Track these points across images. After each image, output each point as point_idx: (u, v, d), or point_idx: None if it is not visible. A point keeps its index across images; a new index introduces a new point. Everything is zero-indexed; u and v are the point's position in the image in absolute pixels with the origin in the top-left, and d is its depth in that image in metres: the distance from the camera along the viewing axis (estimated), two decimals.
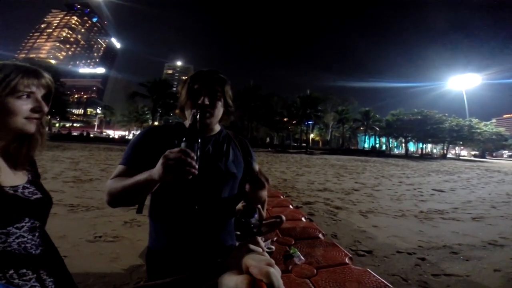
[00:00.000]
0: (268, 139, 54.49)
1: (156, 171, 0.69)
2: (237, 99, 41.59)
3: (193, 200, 0.93)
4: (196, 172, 0.69)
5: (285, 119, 49.32)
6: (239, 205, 1.93)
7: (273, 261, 0.42)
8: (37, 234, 0.68)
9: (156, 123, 47.96)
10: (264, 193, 1.14)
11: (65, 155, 13.14)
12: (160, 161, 0.68)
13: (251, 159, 1.13)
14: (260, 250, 0.53)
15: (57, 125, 59.64)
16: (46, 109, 0.72)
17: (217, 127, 1.06)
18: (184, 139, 0.71)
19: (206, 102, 0.92)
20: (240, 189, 1.09)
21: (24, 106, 0.67)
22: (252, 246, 0.53)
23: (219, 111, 0.98)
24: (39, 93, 0.71)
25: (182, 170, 0.66)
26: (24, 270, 0.63)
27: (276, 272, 0.39)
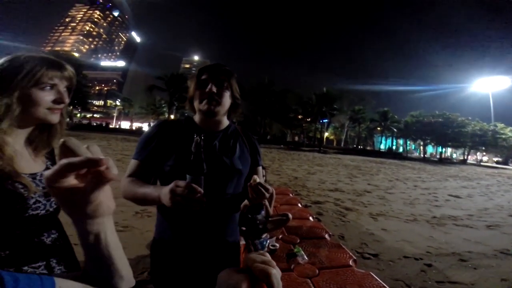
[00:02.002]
0: (281, 136, 54.14)
1: (164, 198, 0.73)
2: (251, 94, 41.50)
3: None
4: (204, 205, 0.71)
5: (299, 116, 48.76)
6: (246, 201, 1.97)
7: (274, 262, 0.42)
8: (50, 221, 0.73)
9: (172, 116, 48.83)
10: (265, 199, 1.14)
11: (84, 145, 13.56)
12: (168, 195, 0.71)
13: (258, 156, 1.13)
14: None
15: (78, 115, 61.88)
16: (67, 100, 0.75)
17: (226, 122, 1.07)
18: (189, 172, 0.72)
19: (213, 90, 0.94)
20: (245, 185, 1.10)
21: (47, 97, 0.70)
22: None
23: (226, 100, 0.99)
24: (62, 85, 0.74)
25: (189, 205, 0.69)
26: (35, 258, 0.67)
27: (277, 274, 0.40)
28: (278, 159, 16.04)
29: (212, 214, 0.96)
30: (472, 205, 6.40)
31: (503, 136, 53.39)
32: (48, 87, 0.70)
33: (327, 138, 59.85)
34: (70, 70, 0.76)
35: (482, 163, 53.48)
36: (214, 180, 0.94)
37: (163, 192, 0.73)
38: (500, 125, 55.90)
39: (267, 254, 0.48)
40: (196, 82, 0.99)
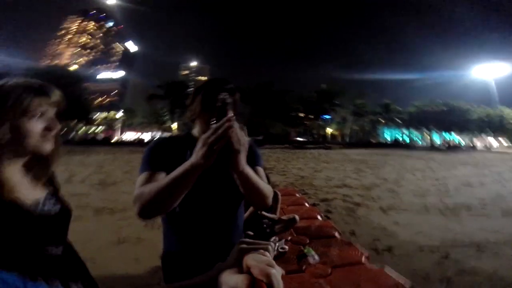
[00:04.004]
0: (285, 135, 54.13)
1: (197, 154, 0.70)
2: (251, 96, 41.59)
3: (201, 205, 0.95)
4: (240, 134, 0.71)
5: (301, 115, 48.71)
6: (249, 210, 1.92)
7: (274, 262, 0.42)
8: (60, 246, 0.70)
9: (175, 124, 49.11)
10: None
11: (91, 159, 13.87)
12: (201, 144, 0.69)
13: (254, 157, 1.10)
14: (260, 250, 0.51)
15: (82, 129, 62.58)
16: (58, 126, 0.72)
17: None
18: (214, 121, 0.70)
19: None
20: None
21: (37, 126, 0.67)
22: (244, 246, 0.51)
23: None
24: (51, 111, 0.71)
25: (224, 137, 0.67)
26: (48, 276, 0.63)
27: (277, 273, 0.39)
28: (283, 159, 15.96)
29: (217, 223, 0.97)
30: (485, 193, 6.23)
31: (511, 121, 52.62)
32: (37, 116, 0.68)
33: (331, 134, 59.63)
34: (57, 94, 0.73)
35: (492, 149, 52.60)
36: (217, 189, 0.96)
37: (193, 155, 0.71)
38: (507, 110, 55.14)
39: (267, 254, 0.48)
40: (201, 101, 0.99)
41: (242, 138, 0.72)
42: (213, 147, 0.67)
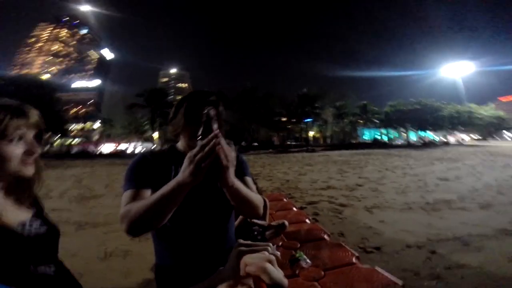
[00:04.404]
0: (268, 140, 54.43)
1: (184, 173, 0.68)
2: (235, 102, 41.59)
3: (194, 220, 0.94)
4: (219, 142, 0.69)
5: (284, 119, 49.28)
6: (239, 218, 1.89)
7: (272, 257, 0.41)
8: (51, 266, 0.69)
9: (156, 133, 48.00)
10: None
11: (69, 173, 13.28)
12: (187, 162, 0.67)
13: (242, 167, 1.09)
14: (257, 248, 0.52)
15: (57, 142, 59.74)
16: (39, 150, 0.70)
17: None
18: (200, 137, 0.69)
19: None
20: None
21: (16, 150, 0.64)
22: (243, 248, 0.52)
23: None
24: (30, 134, 0.68)
25: (210, 156, 0.66)
26: None
27: (272, 267, 0.38)
28: (268, 164, 15.97)
29: (209, 234, 0.97)
30: (461, 186, 6.52)
31: (479, 116, 56.49)
32: (16, 139, 0.65)
33: (313, 136, 60.70)
34: (35, 114, 0.70)
35: (463, 143, 55.70)
36: (207, 202, 0.96)
37: (180, 173, 0.69)
38: (474, 106, 59.17)
39: (266, 253, 0.47)
40: (184, 115, 0.96)
41: (229, 154, 0.71)
42: (201, 165, 0.66)
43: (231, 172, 0.74)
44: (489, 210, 4.34)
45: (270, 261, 0.41)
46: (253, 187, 1.06)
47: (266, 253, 0.47)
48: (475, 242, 2.95)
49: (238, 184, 0.81)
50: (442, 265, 2.42)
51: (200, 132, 0.70)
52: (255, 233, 1.88)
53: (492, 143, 51.43)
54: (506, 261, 2.46)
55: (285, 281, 0.35)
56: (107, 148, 60.09)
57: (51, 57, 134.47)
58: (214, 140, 0.66)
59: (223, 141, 0.68)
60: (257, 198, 0.94)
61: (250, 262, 0.40)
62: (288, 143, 53.69)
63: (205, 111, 0.75)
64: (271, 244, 0.54)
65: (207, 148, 0.65)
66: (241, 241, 0.57)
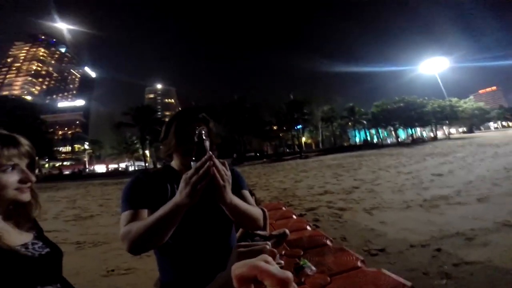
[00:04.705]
0: (260, 150, 54.49)
1: (180, 195, 0.70)
2: (224, 114, 41.66)
3: (196, 238, 0.95)
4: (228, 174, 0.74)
5: (274, 127, 49.61)
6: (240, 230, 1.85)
7: (268, 257, 0.36)
8: (58, 285, 0.70)
9: (147, 152, 47.38)
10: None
11: (61, 195, 13.22)
12: (183, 184, 0.69)
13: (238, 181, 1.10)
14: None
15: (46, 166, 58.15)
16: (33, 178, 0.72)
17: None
18: (193, 158, 0.72)
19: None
20: None
21: (10, 179, 0.67)
22: (242, 249, 0.53)
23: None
24: (23, 163, 0.71)
25: (205, 179, 0.67)
26: None
27: (265, 264, 0.32)
28: (264, 174, 15.93)
29: (211, 249, 0.97)
30: (456, 180, 6.59)
31: (460, 108, 58.49)
32: (10, 168, 0.68)
33: (305, 142, 61.14)
34: (26, 144, 0.73)
35: (451, 136, 57.15)
36: (207, 218, 0.97)
37: (177, 194, 0.72)
38: (454, 99, 61.31)
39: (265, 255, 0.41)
40: (175, 135, 0.97)
41: (224, 173, 0.73)
42: (197, 187, 0.68)
43: (228, 190, 0.76)
44: (486, 202, 4.35)
45: (265, 261, 0.36)
46: (251, 200, 1.07)
47: (266, 256, 0.42)
48: (479, 237, 2.93)
49: (236, 200, 0.82)
50: (450, 263, 2.38)
51: (193, 154, 0.73)
52: None
53: (478, 134, 52.98)
54: None
55: (288, 273, 0.29)
56: (97, 169, 58.87)
57: (31, 78, 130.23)
58: (208, 163, 0.68)
59: (217, 162, 0.70)
60: (256, 211, 0.96)
61: (240, 265, 0.34)
62: (281, 151, 53.89)
63: (197, 131, 0.77)
64: (269, 243, 0.54)
65: (201, 171, 0.67)
66: (241, 243, 0.58)
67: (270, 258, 0.34)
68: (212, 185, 0.70)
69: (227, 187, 0.75)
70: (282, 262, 1.67)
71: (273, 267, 0.30)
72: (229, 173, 0.76)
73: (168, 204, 0.73)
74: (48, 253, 0.72)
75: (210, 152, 0.70)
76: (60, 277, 0.75)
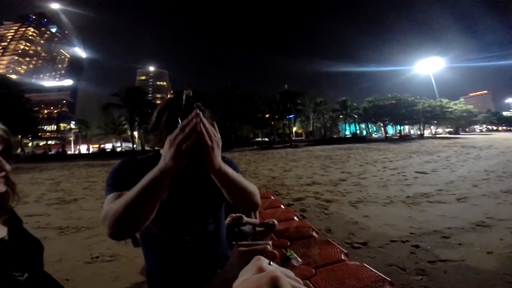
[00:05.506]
0: (252, 137, 54.53)
1: (165, 157, 0.63)
2: (217, 100, 41.17)
3: (181, 227, 0.92)
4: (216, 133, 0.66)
5: (267, 116, 49.55)
6: (229, 218, 1.87)
7: (264, 260, 0.35)
8: (36, 278, 0.67)
9: (135, 133, 46.54)
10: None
11: (44, 176, 12.69)
12: (168, 145, 0.62)
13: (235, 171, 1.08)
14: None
15: (29, 144, 56.47)
16: (8, 167, 0.66)
17: None
18: (180, 119, 0.64)
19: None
20: (226, 206, 1.11)
21: None
22: (243, 249, 0.52)
23: None
24: None
25: (191, 138, 0.61)
26: None
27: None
28: (253, 161, 16.02)
29: (199, 237, 0.94)
30: (438, 179, 6.81)
31: (450, 110, 59.93)
32: None
33: (296, 132, 61.50)
34: (1, 128, 0.67)
35: (437, 136, 58.71)
36: (195, 209, 0.94)
37: (161, 159, 0.64)
38: (445, 100, 62.72)
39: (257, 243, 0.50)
40: (166, 124, 0.87)
41: (213, 133, 0.66)
42: (182, 147, 0.60)
43: (217, 153, 0.68)
44: (465, 202, 4.53)
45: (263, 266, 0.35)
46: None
47: (263, 258, 0.41)
48: (454, 236, 3.06)
49: (225, 167, 0.74)
50: (426, 259, 2.50)
51: (180, 117, 0.65)
52: (245, 234, 1.85)
53: (463, 135, 54.57)
54: (485, 254, 2.57)
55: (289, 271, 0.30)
56: (83, 149, 57.59)
57: (18, 57, 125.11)
58: (194, 120, 0.61)
59: (205, 120, 0.63)
60: (250, 185, 0.90)
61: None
62: (272, 139, 54.00)
63: (185, 93, 0.70)
64: (270, 243, 0.52)
65: (187, 129, 0.61)
66: (242, 242, 0.56)
67: (266, 264, 0.33)
68: (198, 148, 0.63)
69: (216, 149, 0.66)
70: (276, 252, 1.71)
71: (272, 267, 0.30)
72: (218, 135, 0.68)
73: (152, 171, 0.65)
74: (25, 246, 0.68)
75: (198, 110, 0.63)
76: (38, 269, 0.70)
